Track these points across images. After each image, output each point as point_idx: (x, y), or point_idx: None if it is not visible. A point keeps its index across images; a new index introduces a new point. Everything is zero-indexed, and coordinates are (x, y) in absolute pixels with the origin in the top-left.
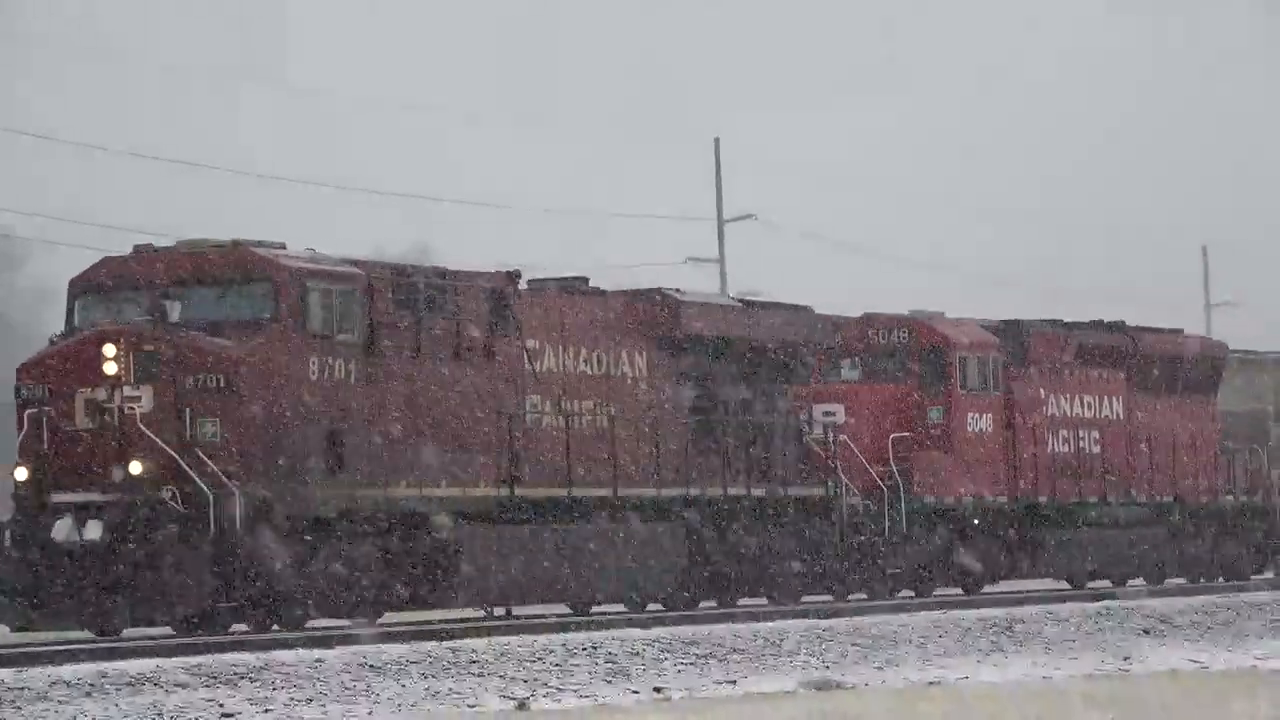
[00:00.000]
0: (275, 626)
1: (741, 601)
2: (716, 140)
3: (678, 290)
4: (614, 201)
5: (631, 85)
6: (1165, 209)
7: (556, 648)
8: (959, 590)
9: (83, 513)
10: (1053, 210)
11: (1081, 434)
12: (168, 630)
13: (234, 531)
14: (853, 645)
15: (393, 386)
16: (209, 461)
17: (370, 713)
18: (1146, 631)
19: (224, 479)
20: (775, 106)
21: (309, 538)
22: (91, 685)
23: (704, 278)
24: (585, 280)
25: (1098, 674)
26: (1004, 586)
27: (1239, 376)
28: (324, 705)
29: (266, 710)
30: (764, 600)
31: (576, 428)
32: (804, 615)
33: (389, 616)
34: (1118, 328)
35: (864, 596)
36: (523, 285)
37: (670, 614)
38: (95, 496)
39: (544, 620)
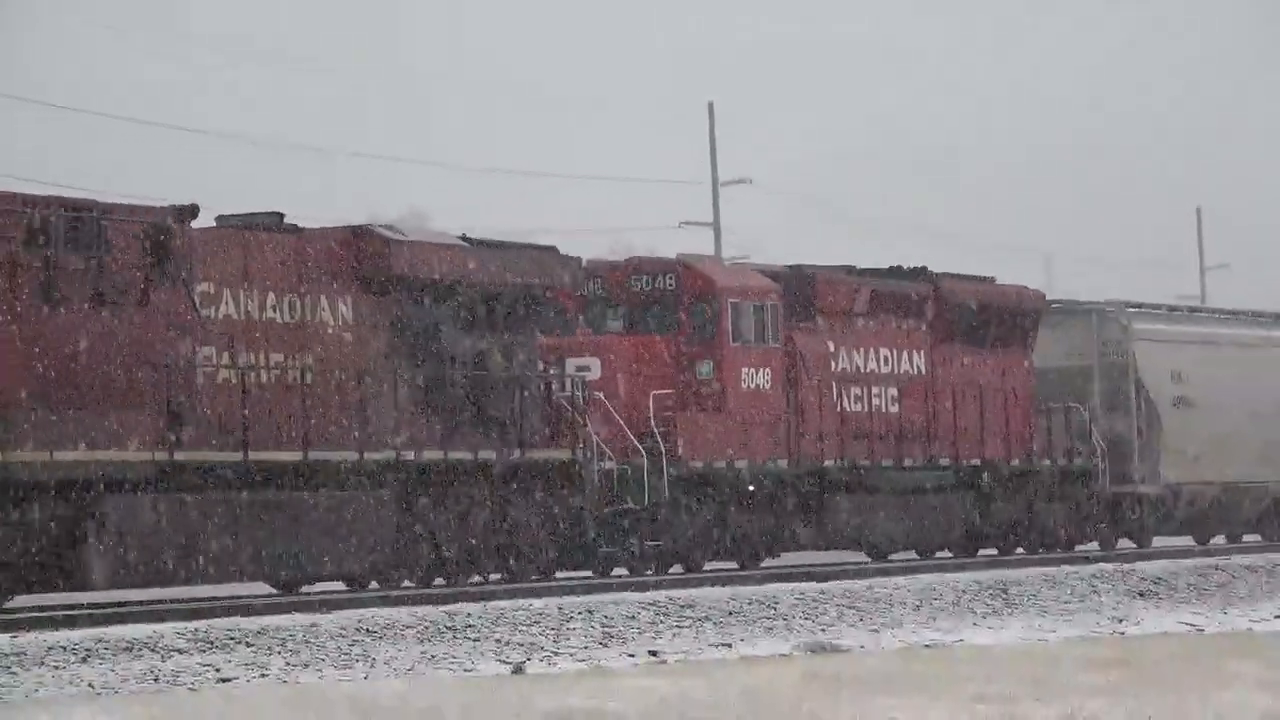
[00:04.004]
0: None
1: (475, 579)
2: (710, 104)
3: (389, 227)
4: (613, 165)
5: (631, 52)
6: (1160, 172)
7: (552, 611)
8: (734, 564)
9: None
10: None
11: (876, 391)
12: (164, 594)
13: None
14: (848, 609)
15: (13, 334)
16: None
17: (366, 677)
18: (1141, 594)
19: None
20: (780, 75)
21: None
22: (88, 650)
23: (700, 242)
24: (280, 217)
25: (1093, 636)
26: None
27: (1060, 329)
28: (320, 670)
29: (263, 675)
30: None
31: (260, 383)
32: (799, 579)
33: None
34: (919, 274)
35: (625, 573)
36: (210, 223)
37: (665, 578)
38: None
39: (539, 585)
